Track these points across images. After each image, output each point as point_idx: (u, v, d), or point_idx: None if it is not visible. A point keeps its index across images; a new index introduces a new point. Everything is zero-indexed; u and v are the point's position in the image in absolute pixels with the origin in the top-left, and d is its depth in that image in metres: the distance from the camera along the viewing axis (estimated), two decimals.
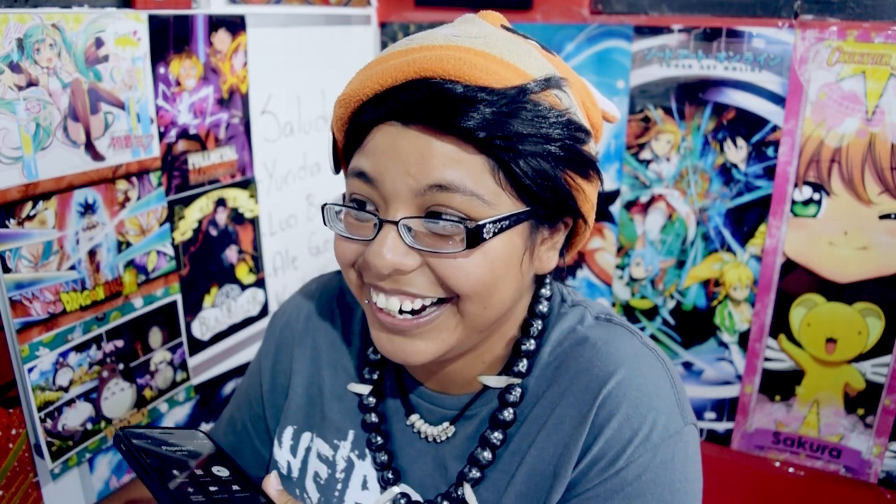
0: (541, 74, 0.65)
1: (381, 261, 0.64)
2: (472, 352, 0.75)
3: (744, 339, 1.43)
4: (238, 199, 1.30)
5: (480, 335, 0.72)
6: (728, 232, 1.40)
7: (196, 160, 1.19)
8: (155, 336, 1.16)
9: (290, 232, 1.46)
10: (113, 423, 1.09)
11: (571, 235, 0.75)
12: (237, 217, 1.31)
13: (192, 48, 1.15)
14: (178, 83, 1.13)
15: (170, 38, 1.10)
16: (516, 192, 0.65)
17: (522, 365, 0.75)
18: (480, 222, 0.63)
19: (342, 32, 1.51)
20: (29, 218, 0.92)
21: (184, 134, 1.16)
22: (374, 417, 0.81)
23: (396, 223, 0.64)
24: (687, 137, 1.39)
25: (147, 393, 1.16)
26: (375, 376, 0.83)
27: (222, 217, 1.27)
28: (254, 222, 1.35)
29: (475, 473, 0.73)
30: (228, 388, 1.36)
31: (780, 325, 1.39)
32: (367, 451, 0.82)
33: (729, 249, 1.40)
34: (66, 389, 1.00)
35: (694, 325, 1.47)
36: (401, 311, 0.67)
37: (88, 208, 1.01)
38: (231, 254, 1.31)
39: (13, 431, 0.95)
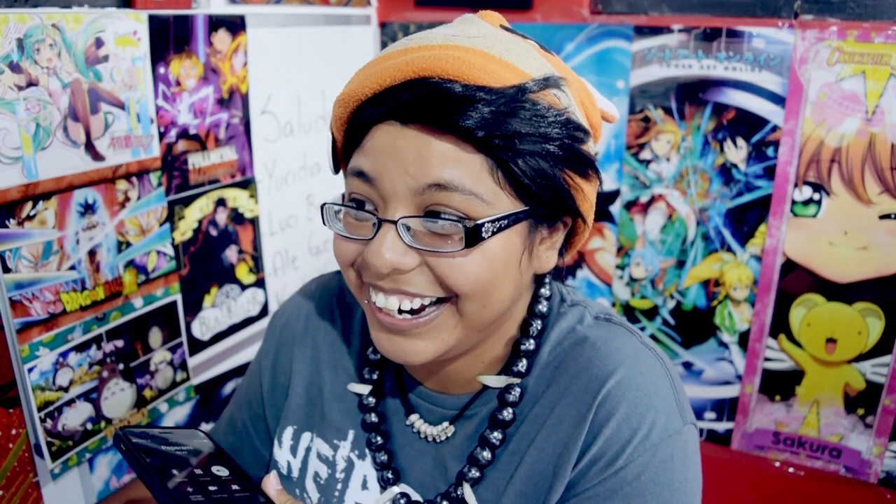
0: (539, 74, 0.66)
1: (379, 260, 0.64)
2: (472, 351, 0.75)
3: (744, 339, 1.43)
4: (238, 199, 1.30)
5: (480, 335, 0.72)
6: (728, 232, 1.40)
7: (196, 160, 1.19)
8: (155, 336, 1.16)
9: (290, 232, 1.46)
10: (113, 423, 1.09)
11: (571, 235, 0.75)
12: (237, 217, 1.31)
13: (192, 48, 1.15)
14: (178, 83, 1.13)
15: (170, 38, 1.10)
16: (515, 192, 0.65)
17: (522, 365, 0.75)
18: (479, 221, 0.63)
19: (342, 32, 1.51)
20: (29, 218, 0.92)
21: (184, 134, 1.16)
22: (373, 417, 0.81)
23: (395, 222, 0.64)
24: (687, 137, 1.39)
25: (147, 393, 1.16)
26: (375, 376, 0.83)
27: (222, 217, 1.27)
28: (254, 222, 1.35)
29: (474, 473, 0.73)
30: (228, 388, 1.36)
31: (780, 325, 1.39)
32: (366, 450, 0.82)
33: (729, 249, 1.40)
34: (66, 389, 1.00)
35: (694, 325, 1.47)
36: (400, 311, 0.67)
37: (88, 208, 1.01)
38: (231, 254, 1.31)
39: (13, 431, 0.95)
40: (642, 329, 1.52)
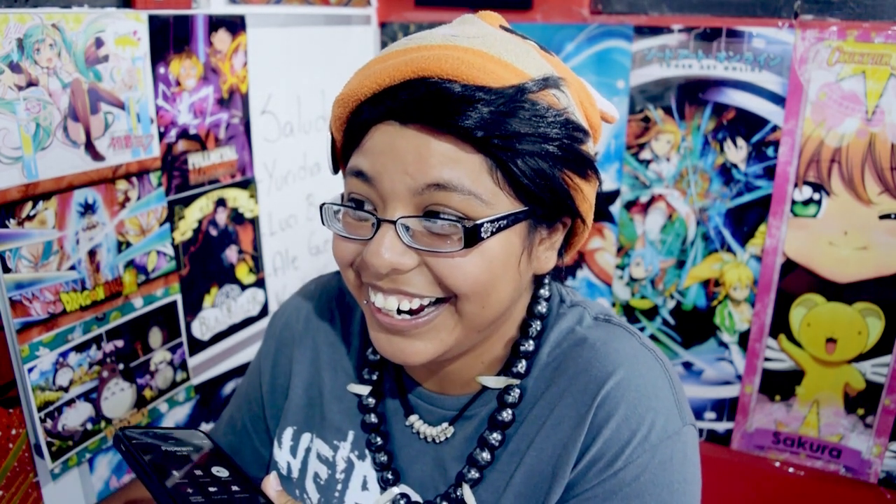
0: (539, 74, 0.66)
1: (378, 260, 0.64)
2: (471, 352, 0.75)
3: (744, 339, 1.43)
4: (238, 199, 1.30)
5: (479, 335, 0.72)
6: (728, 232, 1.40)
7: (196, 160, 1.19)
8: (155, 336, 1.16)
9: (290, 232, 1.46)
10: (113, 423, 1.09)
11: (570, 235, 0.75)
12: (237, 217, 1.31)
13: (192, 48, 1.15)
14: (178, 83, 1.13)
15: (170, 38, 1.10)
16: (514, 192, 0.65)
17: (521, 366, 0.75)
18: (478, 222, 0.63)
19: (342, 32, 1.51)
20: (29, 218, 0.92)
21: (184, 134, 1.16)
22: (373, 418, 0.81)
23: (394, 222, 0.64)
24: (687, 137, 1.39)
25: (147, 393, 1.16)
26: (375, 377, 0.83)
27: (222, 217, 1.27)
28: (254, 222, 1.35)
29: (474, 474, 0.73)
30: (228, 388, 1.36)
31: (780, 325, 1.39)
32: (366, 451, 0.82)
33: (729, 249, 1.40)
34: (66, 389, 1.00)
35: (694, 325, 1.47)
36: (399, 311, 0.67)
37: (88, 208, 1.01)
38: (231, 254, 1.31)
39: (13, 431, 0.95)
40: (642, 329, 1.52)
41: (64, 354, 1.00)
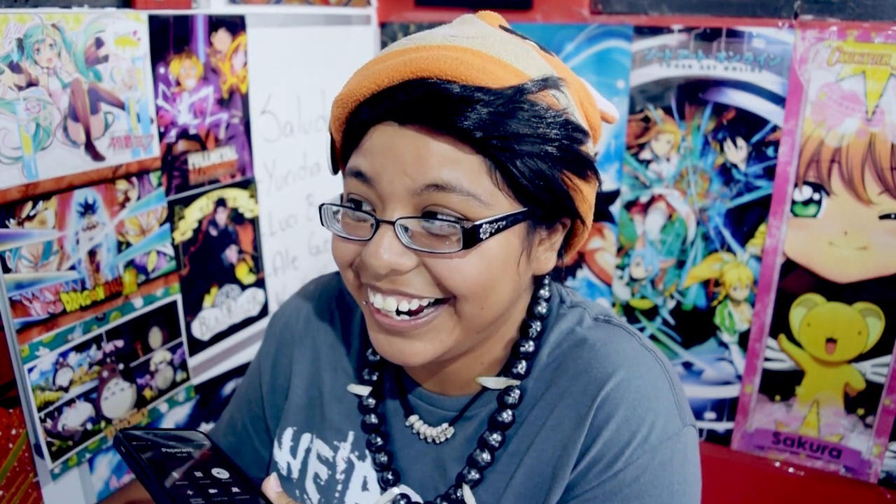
0: (538, 74, 0.65)
1: (377, 261, 0.64)
2: (471, 353, 0.75)
3: (744, 339, 1.43)
4: (238, 199, 1.30)
5: (478, 336, 0.72)
6: (728, 232, 1.40)
7: (196, 160, 1.19)
8: (155, 336, 1.16)
9: (290, 232, 1.46)
10: (113, 423, 1.10)
11: (570, 236, 0.75)
12: (237, 217, 1.31)
13: (192, 48, 1.15)
14: (178, 83, 1.13)
15: (170, 38, 1.10)
16: (513, 193, 0.65)
17: (521, 366, 0.75)
18: (477, 222, 0.63)
19: (342, 32, 1.51)
20: (29, 218, 0.92)
21: (184, 134, 1.16)
22: (373, 418, 0.81)
23: (393, 223, 0.64)
24: (687, 137, 1.39)
25: (147, 393, 1.16)
26: (375, 377, 0.83)
27: (222, 217, 1.27)
28: (254, 222, 1.35)
29: (474, 475, 0.73)
30: (228, 388, 1.36)
31: (780, 325, 1.39)
32: (366, 452, 0.82)
33: (729, 249, 1.40)
34: (66, 389, 1.00)
35: (694, 325, 1.47)
36: (398, 312, 0.67)
37: (88, 208, 1.01)
38: (231, 254, 1.31)
39: (13, 431, 0.95)
40: (642, 329, 1.52)
41: (64, 354, 1.00)
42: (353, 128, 0.67)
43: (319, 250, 1.57)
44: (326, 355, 0.88)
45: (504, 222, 0.64)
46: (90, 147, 1.00)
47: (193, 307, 1.24)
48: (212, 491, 0.59)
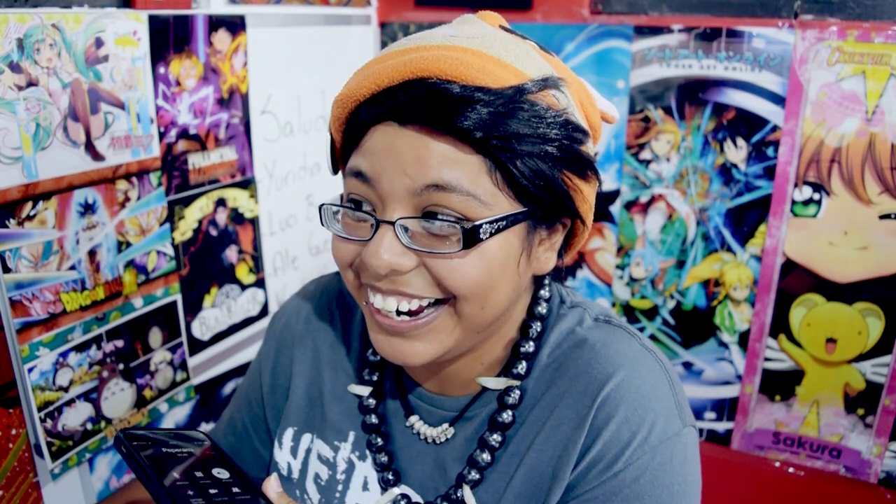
0: (538, 74, 0.65)
1: (377, 261, 0.64)
2: (471, 353, 0.75)
3: (744, 339, 1.43)
4: (238, 199, 1.30)
5: (479, 336, 0.72)
6: (728, 232, 1.40)
7: (196, 160, 1.19)
8: (155, 336, 1.16)
9: (290, 232, 1.46)
10: (113, 423, 1.10)
11: (570, 236, 0.75)
12: (237, 217, 1.31)
13: (192, 48, 1.15)
14: (178, 83, 1.13)
15: (170, 38, 1.10)
16: (513, 193, 0.65)
17: (521, 367, 0.75)
18: (477, 223, 0.63)
19: (342, 32, 1.51)
20: (29, 218, 0.92)
21: (184, 134, 1.16)
22: (374, 419, 0.81)
23: (393, 223, 0.64)
24: (687, 137, 1.39)
25: (147, 393, 1.16)
26: (375, 377, 0.83)
27: (222, 217, 1.27)
28: (254, 222, 1.35)
29: (474, 475, 0.73)
30: (228, 388, 1.36)
31: (780, 325, 1.39)
32: (367, 452, 0.82)
33: (729, 249, 1.40)
34: (66, 389, 1.00)
35: (694, 325, 1.47)
36: (398, 313, 0.67)
37: (88, 208, 1.01)
38: (231, 254, 1.31)
39: (13, 431, 0.95)
40: (642, 329, 1.52)
41: (64, 354, 1.00)
42: (353, 128, 0.67)
43: (319, 250, 1.57)
44: (327, 355, 0.88)
45: (504, 222, 0.64)
46: (90, 147, 1.00)
47: (193, 307, 1.24)
48: (212, 491, 0.59)
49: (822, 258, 1.32)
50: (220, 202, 1.26)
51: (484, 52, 0.64)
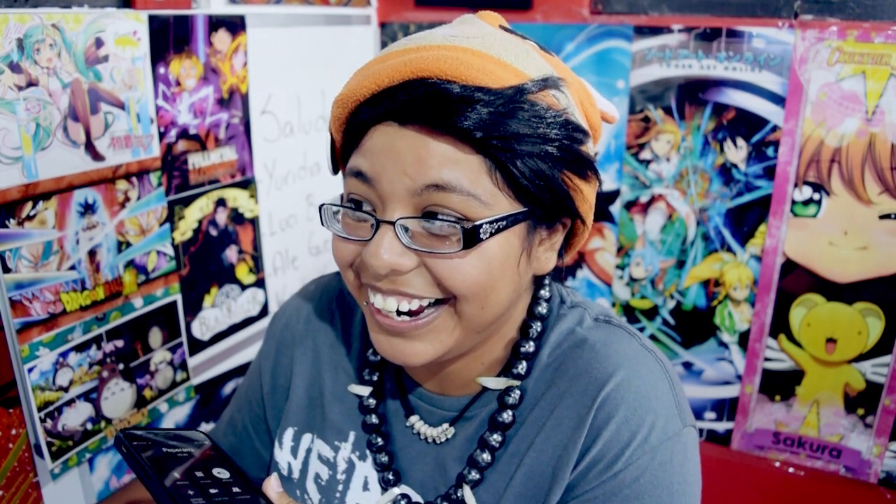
0: (538, 75, 0.65)
1: (377, 261, 0.64)
2: (471, 353, 0.75)
3: (744, 339, 1.43)
4: (238, 199, 1.30)
5: (479, 336, 0.72)
6: (728, 232, 1.40)
7: (196, 160, 1.19)
8: (155, 336, 1.16)
9: (290, 232, 1.46)
10: (113, 423, 1.10)
11: (570, 236, 0.75)
12: (237, 217, 1.31)
13: (192, 48, 1.15)
14: (178, 83, 1.13)
15: (170, 38, 1.10)
16: (513, 193, 0.65)
17: (521, 367, 0.75)
18: (477, 223, 0.63)
19: (342, 32, 1.51)
20: (29, 218, 0.92)
21: (184, 134, 1.16)
22: (374, 419, 0.81)
23: (393, 223, 0.64)
24: (687, 137, 1.39)
25: (147, 393, 1.16)
26: (375, 377, 0.83)
27: (222, 217, 1.27)
28: (254, 222, 1.35)
29: (474, 475, 0.73)
30: (228, 388, 1.36)
31: (780, 325, 1.39)
32: (367, 452, 0.82)
33: (729, 249, 1.40)
34: (66, 389, 1.00)
35: (694, 325, 1.47)
36: (399, 313, 0.67)
37: (88, 208, 1.01)
38: (231, 254, 1.31)
39: (13, 431, 0.95)
40: (642, 329, 1.52)
41: (64, 354, 1.00)
42: (353, 128, 0.67)
43: (319, 250, 1.57)
44: (327, 355, 0.88)
45: (504, 222, 0.64)
46: (90, 147, 1.00)
47: (193, 307, 1.24)
48: (212, 491, 0.59)
49: (822, 258, 1.32)
50: (220, 202, 1.26)
51: (484, 52, 0.65)
